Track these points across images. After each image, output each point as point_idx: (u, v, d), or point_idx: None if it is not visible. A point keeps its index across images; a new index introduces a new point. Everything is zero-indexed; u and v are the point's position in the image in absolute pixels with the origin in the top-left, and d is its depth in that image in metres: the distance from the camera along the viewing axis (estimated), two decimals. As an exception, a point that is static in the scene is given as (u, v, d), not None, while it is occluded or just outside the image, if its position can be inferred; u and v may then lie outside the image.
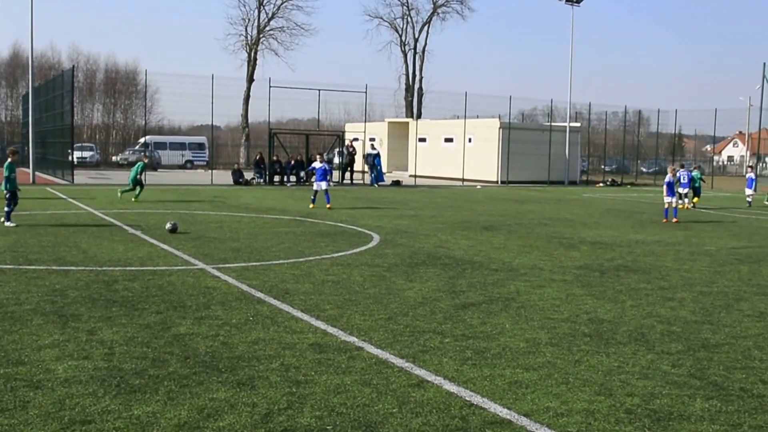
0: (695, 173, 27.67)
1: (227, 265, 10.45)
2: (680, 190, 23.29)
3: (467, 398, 5.15)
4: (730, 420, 4.91)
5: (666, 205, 19.55)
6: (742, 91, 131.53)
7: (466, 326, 7.23)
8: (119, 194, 22.68)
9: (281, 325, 7.08)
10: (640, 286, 9.67)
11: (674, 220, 19.15)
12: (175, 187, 29.66)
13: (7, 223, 14.43)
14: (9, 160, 15.11)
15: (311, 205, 20.91)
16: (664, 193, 19.57)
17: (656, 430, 4.70)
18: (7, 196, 14.80)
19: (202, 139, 53.69)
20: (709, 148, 77.81)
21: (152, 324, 6.98)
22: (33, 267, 9.89)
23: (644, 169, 58.22)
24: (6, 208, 14.69)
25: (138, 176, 22.33)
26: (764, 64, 38.44)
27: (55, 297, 8.04)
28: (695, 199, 26.55)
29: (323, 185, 21.00)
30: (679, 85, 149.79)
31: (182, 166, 50.69)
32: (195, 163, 52.21)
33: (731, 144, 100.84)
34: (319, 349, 6.26)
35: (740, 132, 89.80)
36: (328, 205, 20.55)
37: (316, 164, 21.72)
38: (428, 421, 4.71)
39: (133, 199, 22.10)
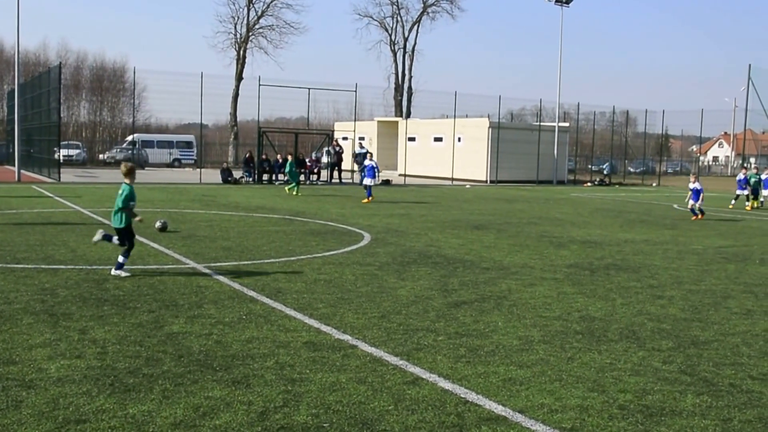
0: (751, 174, 27.10)
1: (218, 264, 10.42)
2: (738, 191, 26.31)
3: (462, 395, 5.18)
4: (721, 415, 4.97)
5: (690, 206, 20.57)
6: (728, 93, 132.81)
7: (459, 324, 7.26)
8: (295, 193, 25.41)
9: (274, 323, 7.08)
10: (630, 285, 9.75)
11: (693, 218, 20.42)
12: (163, 186, 29.51)
13: None
14: None
15: (366, 200, 23.17)
16: (689, 197, 20.69)
17: (649, 425, 4.75)
18: None
19: (190, 137, 53.42)
20: (695, 149, 78.47)
21: (145, 323, 6.95)
22: (21, 266, 9.81)
23: (632, 169, 58.60)
24: None
25: (294, 171, 25.58)
26: (749, 65, 38.92)
27: (45, 296, 7.99)
28: (750, 203, 26.31)
29: (368, 181, 23.81)
30: (667, 86, 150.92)
31: (170, 165, 50.43)
32: (183, 161, 51.93)
33: (717, 144, 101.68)
34: (313, 348, 6.27)
35: (725, 133, 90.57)
36: (365, 200, 23.19)
37: (366, 162, 24.60)
38: (424, 418, 4.73)
39: (294, 193, 25.08)
